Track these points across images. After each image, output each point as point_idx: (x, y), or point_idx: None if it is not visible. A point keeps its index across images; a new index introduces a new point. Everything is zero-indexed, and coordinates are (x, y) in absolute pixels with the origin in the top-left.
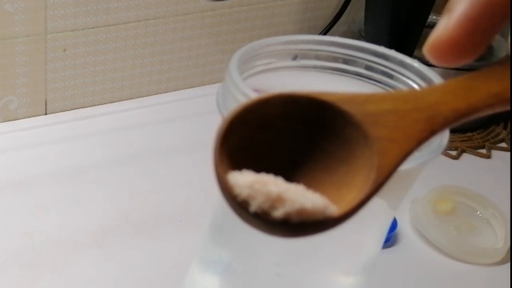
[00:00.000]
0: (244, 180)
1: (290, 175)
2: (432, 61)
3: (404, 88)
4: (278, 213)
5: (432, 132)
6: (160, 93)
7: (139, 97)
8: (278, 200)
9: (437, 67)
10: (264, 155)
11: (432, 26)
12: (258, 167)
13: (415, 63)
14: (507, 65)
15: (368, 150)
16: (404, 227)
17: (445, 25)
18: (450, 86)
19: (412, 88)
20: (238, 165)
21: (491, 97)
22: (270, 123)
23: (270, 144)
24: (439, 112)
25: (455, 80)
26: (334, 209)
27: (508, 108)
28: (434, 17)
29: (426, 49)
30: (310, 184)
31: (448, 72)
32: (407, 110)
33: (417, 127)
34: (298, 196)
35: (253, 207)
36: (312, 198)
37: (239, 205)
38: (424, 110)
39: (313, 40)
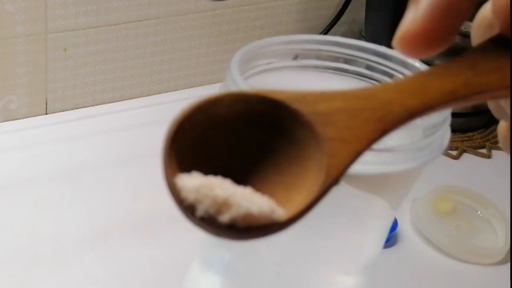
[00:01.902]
0: (192, 184)
1: (241, 175)
2: (402, 53)
3: None
4: (224, 218)
5: (384, 132)
6: (161, 93)
7: (140, 97)
8: (224, 205)
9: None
10: (215, 155)
11: None
12: (208, 168)
13: (416, 63)
14: (462, 62)
15: (318, 151)
16: (405, 227)
17: (412, 17)
18: (403, 84)
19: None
20: (188, 167)
21: (445, 95)
22: (221, 122)
23: (221, 144)
24: (391, 111)
25: (409, 77)
26: (281, 213)
27: (463, 105)
28: None
29: (396, 42)
30: (260, 185)
31: None
32: (358, 109)
33: (368, 126)
34: (245, 201)
35: (199, 211)
36: (259, 202)
37: (186, 209)
38: (376, 109)
39: (314, 39)
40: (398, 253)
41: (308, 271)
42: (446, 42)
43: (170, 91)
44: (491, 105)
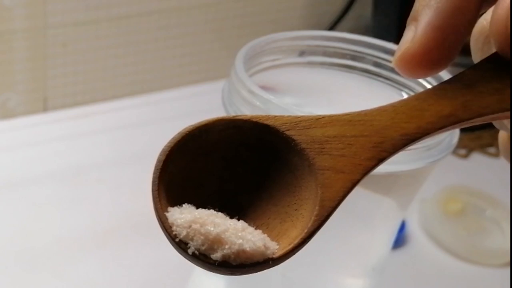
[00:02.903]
0: (183, 220)
1: (234, 203)
2: (402, 74)
3: (413, 85)
4: (217, 255)
5: (380, 160)
6: (163, 90)
7: (141, 94)
8: (216, 242)
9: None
10: (208, 183)
11: None
12: (201, 196)
13: None
14: (459, 82)
15: (312, 181)
16: (413, 228)
17: (412, 37)
18: (400, 108)
19: (367, 109)
20: (179, 197)
21: (443, 119)
22: (213, 149)
23: (213, 170)
24: (387, 137)
25: (406, 101)
26: (274, 248)
27: (461, 127)
28: None
29: (395, 63)
30: (254, 215)
31: (456, 70)
32: (353, 135)
33: (364, 154)
34: (237, 237)
35: (191, 249)
36: (251, 239)
37: (178, 245)
38: (371, 135)
39: (320, 36)
40: (407, 255)
41: (314, 273)
42: (447, 62)
43: (173, 88)
44: None
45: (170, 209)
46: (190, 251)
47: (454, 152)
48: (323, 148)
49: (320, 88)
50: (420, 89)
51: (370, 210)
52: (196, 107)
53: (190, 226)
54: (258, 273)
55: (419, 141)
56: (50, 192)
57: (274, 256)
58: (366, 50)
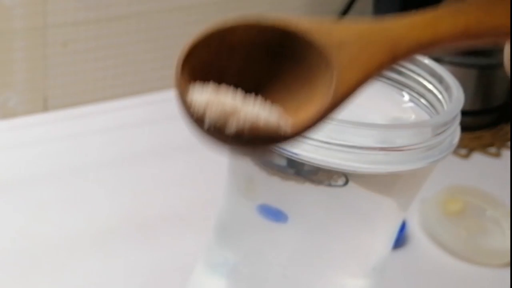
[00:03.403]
0: (202, 97)
1: (252, 94)
2: None
3: (414, 85)
4: (231, 129)
5: (394, 58)
6: (164, 90)
7: (142, 94)
8: (232, 115)
9: (447, 63)
10: (227, 77)
11: None
12: (220, 85)
13: (425, 60)
14: (471, 3)
15: (329, 72)
16: (414, 228)
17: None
18: (416, 18)
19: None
20: (200, 84)
21: (457, 30)
22: (234, 48)
23: (233, 68)
24: (403, 43)
25: (422, 13)
26: (288, 125)
27: (468, 45)
28: None
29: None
30: (271, 99)
31: (457, 69)
32: (371, 41)
33: (380, 54)
34: (253, 112)
35: (207, 123)
36: (266, 114)
37: (196, 122)
38: (388, 41)
39: None
40: (407, 255)
41: (315, 273)
42: None
43: (173, 88)
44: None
45: (191, 89)
46: (205, 127)
47: (455, 152)
48: (341, 49)
49: None
50: (421, 90)
51: (370, 210)
52: None
53: (207, 102)
54: (258, 272)
55: (432, 50)
56: (50, 192)
57: (286, 132)
58: None
